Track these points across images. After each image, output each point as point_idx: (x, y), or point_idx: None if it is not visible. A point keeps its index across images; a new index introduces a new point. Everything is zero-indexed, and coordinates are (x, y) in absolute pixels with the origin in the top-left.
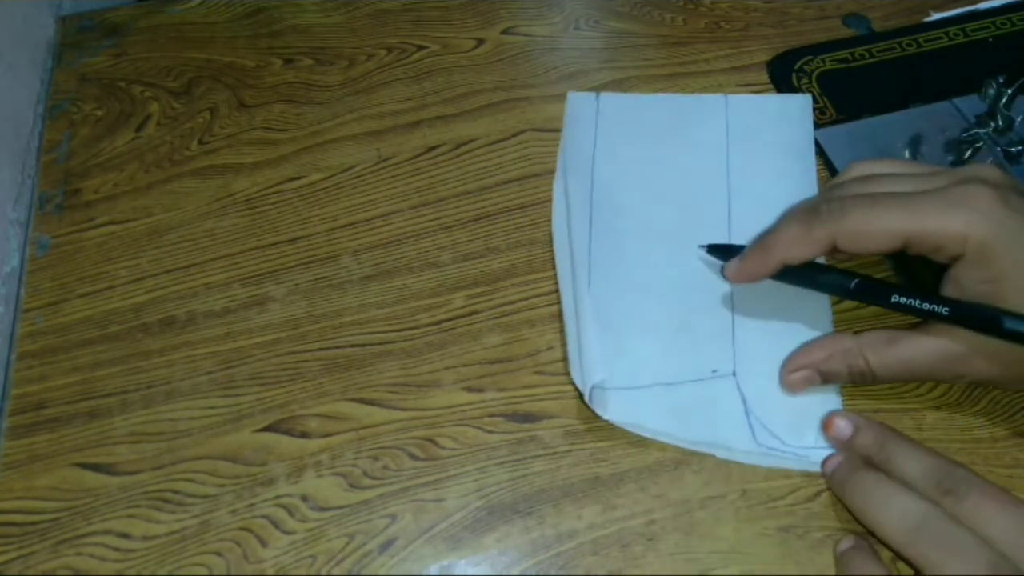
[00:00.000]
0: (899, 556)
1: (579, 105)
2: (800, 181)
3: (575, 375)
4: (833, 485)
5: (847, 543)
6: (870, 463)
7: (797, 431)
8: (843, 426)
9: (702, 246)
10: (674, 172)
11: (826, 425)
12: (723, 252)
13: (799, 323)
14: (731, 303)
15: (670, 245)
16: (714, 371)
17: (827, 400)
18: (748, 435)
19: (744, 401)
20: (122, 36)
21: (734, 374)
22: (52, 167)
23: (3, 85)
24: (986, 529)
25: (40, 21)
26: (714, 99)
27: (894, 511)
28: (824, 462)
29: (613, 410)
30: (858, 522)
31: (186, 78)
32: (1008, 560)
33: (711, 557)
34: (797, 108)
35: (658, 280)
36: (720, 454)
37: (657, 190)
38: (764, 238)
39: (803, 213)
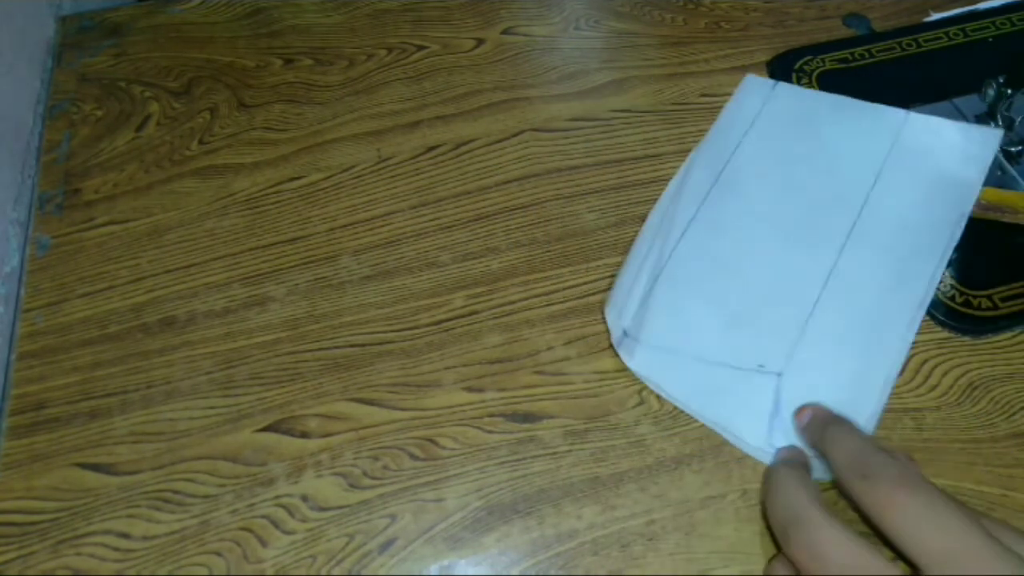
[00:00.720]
0: (846, 485)
1: (752, 89)
2: (945, 217)
3: (610, 316)
4: (805, 439)
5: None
6: (815, 446)
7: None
8: (805, 415)
9: None
10: (816, 171)
11: (798, 415)
12: None
13: (872, 349)
14: (810, 311)
15: (775, 236)
16: (760, 365)
17: (864, 421)
18: (764, 434)
19: (776, 403)
20: (122, 36)
21: (779, 375)
22: (52, 167)
23: (3, 85)
24: (890, 519)
25: (40, 21)
26: (892, 112)
27: (777, 502)
28: (799, 414)
29: (638, 362)
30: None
31: (186, 78)
32: (876, 554)
33: (711, 557)
34: (980, 141)
35: (747, 264)
36: (729, 438)
37: (789, 184)
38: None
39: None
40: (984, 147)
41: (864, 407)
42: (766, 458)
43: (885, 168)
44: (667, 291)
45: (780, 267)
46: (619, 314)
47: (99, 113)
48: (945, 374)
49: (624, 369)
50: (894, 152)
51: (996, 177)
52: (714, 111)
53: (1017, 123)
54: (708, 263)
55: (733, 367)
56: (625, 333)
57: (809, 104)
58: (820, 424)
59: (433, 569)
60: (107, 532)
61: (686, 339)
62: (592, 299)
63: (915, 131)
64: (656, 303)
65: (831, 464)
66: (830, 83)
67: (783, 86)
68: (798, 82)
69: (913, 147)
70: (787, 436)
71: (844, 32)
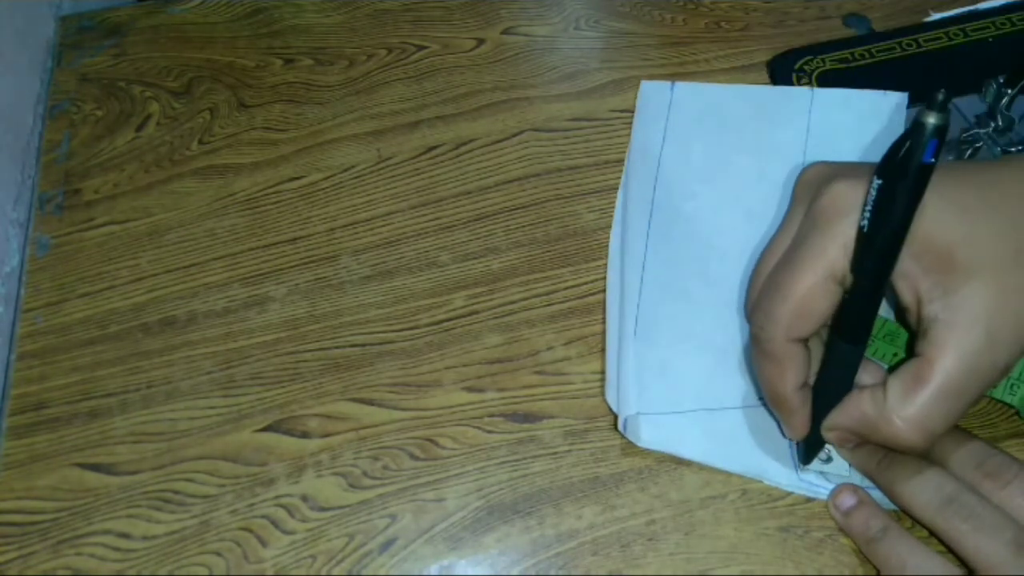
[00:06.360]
0: (928, 529)
1: (651, 95)
2: None
3: (610, 398)
4: (857, 461)
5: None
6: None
7: (838, 461)
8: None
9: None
10: (744, 176)
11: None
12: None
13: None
14: None
15: (730, 259)
16: (762, 398)
17: None
18: (791, 468)
19: None
20: (122, 36)
21: None
22: (52, 167)
23: (3, 85)
24: (1021, 514)
25: (40, 21)
26: (799, 92)
27: (928, 484)
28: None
29: (647, 438)
30: (891, 500)
31: (186, 78)
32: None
33: (711, 557)
34: (890, 107)
35: (713, 297)
36: (764, 481)
37: (723, 196)
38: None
39: (753, 357)
40: (896, 112)
41: None
42: (799, 490)
43: (807, 157)
44: (648, 353)
45: (741, 290)
46: (617, 400)
47: (99, 113)
48: None
49: None
50: (811, 136)
51: None
52: None
53: (1017, 123)
54: (676, 305)
55: (738, 408)
56: (626, 420)
57: (713, 99)
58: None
59: (433, 569)
60: (107, 532)
61: (685, 396)
62: (592, 299)
63: (824, 109)
64: (643, 369)
65: (944, 460)
66: (830, 83)
67: (681, 86)
68: (798, 82)
69: (827, 126)
70: (813, 465)
71: (844, 32)
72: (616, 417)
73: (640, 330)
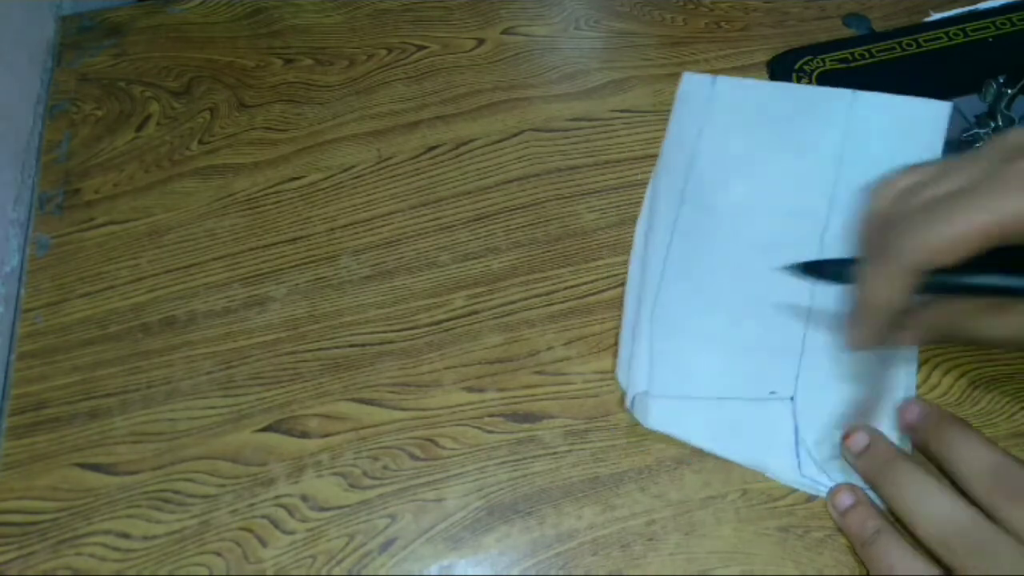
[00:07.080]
0: (933, 555)
1: (692, 88)
2: None
3: (621, 376)
4: (860, 469)
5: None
6: (927, 451)
7: (844, 467)
8: (857, 440)
9: (785, 267)
10: (778, 174)
11: (847, 440)
12: (813, 271)
13: (874, 358)
14: (806, 326)
15: (755, 255)
16: (772, 392)
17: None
18: (793, 464)
19: (796, 429)
20: (122, 36)
21: (792, 399)
22: (52, 167)
23: (3, 85)
24: None
25: (40, 21)
26: (839, 93)
27: (936, 512)
28: (847, 439)
29: (654, 418)
30: (890, 511)
31: (186, 78)
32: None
33: (711, 557)
34: (931, 116)
35: (734, 290)
36: (766, 473)
37: (755, 193)
38: (854, 308)
39: (875, 261)
40: (936, 121)
41: (890, 415)
42: (803, 487)
43: (843, 161)
44: (664, 339)
45: (762, 286)
46: (627, 379)
47: (99, 113)
48: (945, 374)
49: None
50: (848, 140)
51: None
52: None
53: (1017, 123)
54: (696, 298)
55: (746, 399)
56: (635, 398)
57: (753, 96)
58: (936, 425)
59: (433, 569)
60: (107, 532)
61: (695, 382)
62: (592, 299)
63: (864, 113)
64: (657, 354)
65: (960, 474)
66: (830, 83)
67: (722, 80)
68: (798, 82)
69: (865, 131)
70: (817, 464)
71: (844, 32)
72: (633, 406)
73: (657, 317)
